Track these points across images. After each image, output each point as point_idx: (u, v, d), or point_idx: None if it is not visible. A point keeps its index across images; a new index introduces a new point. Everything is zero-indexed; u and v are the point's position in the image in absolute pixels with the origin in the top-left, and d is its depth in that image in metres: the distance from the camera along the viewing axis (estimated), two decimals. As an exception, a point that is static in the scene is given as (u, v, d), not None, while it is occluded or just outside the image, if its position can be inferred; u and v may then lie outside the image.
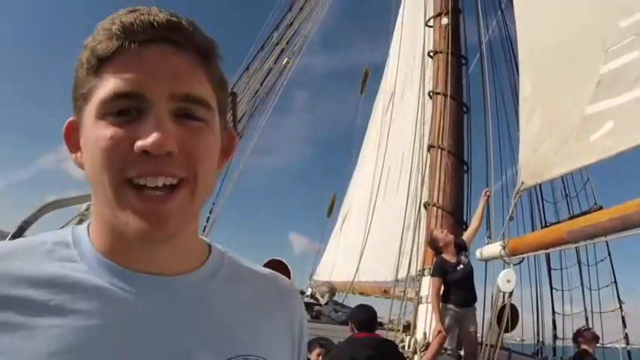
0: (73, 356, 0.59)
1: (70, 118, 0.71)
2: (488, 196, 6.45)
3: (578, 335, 6.64)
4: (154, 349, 0.65)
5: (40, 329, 0.60)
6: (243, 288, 0.79)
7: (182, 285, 0.71)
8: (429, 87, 8.79)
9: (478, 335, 5.84)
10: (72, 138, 0.71)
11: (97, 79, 0.64)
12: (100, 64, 0.64)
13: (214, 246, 0.82)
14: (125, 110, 0.63)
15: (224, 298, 0.75)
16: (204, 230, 8.47)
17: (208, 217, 8.61)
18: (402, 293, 7.22)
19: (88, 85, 0.65)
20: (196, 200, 0.68)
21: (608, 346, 9.00)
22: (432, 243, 6.22)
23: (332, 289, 10.42)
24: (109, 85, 0.63)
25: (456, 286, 5.77)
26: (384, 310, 7.41)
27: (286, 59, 9.87)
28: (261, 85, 9.42)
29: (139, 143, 0.61)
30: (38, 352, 0.58)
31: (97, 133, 0.63)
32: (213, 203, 8.59)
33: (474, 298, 5.92)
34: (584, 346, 6.29)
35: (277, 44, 10.12)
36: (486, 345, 4.84)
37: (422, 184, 8.03)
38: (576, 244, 4.02)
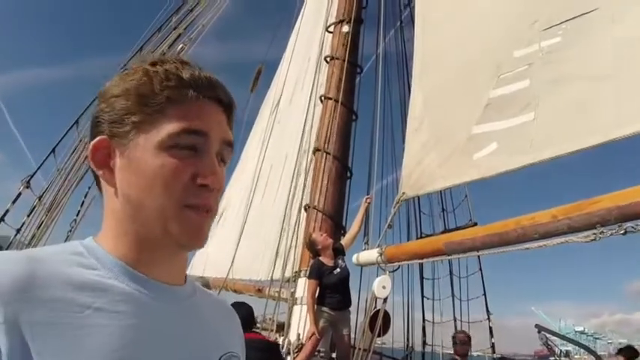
0: (126, 352, 0.67)
1: (101, 137, 0.78)
2: (369, 202, 6.55)
3: (453, 338, 6.92)
4: (183, 348, 0.77)
5: (91, 329, 0.65)
6: (209, 303, 0.93)
7: (183, 294, 0.84)
8: (320, 91, 8.82)
9: (351, 338, 5.89)
10: (100, 155, 0.79)
11: (157, 114, 0.75)
12: (167, 104, 0.76)
13: None
14: (187, 147, 0.75)
15: (205, 309, 0.88)
16: (77, 215, 7.81)
17: (82, 202, 7.93)
18: (276, 293, 7.13)
19: (145, 116, 0.75)
20: (210, 226, 0.82)
21: (476, 354, 9.60)
22: (311, 245, 6.18)
23: (206, 285, 10.08)
24: (179, 123, 0.75)
25: (332, 290, 5.78)
26: (257, 309, 7.26)
27: (181, 45, 9.45)
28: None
29: (201, 180, 0.76)
30: (91, 350, 0.64)
31: (163, 160, 0.74)
32: (89, 187, 7.92)
33: (349, 302, 5.97)
34: (456, 349, 6.63)
35: (175, 29, 9.64)
36: (359, 349, 4.86)
37: (304, 186, 8.02)
38: (453, 257, 4.15)
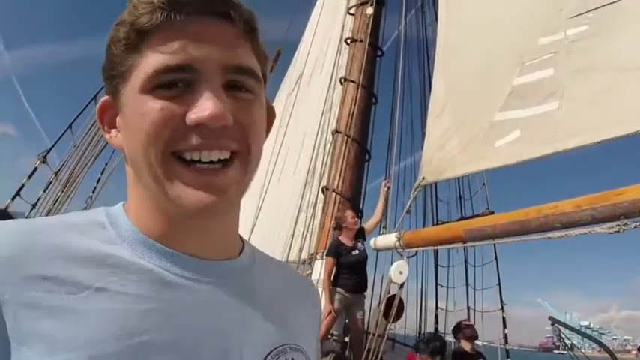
0: (129, 345, 0.56)
1: (104, 98, 0.69)
2: (389, 187, 6.54)
3: (458, 330, 6.53)
4: (215, 339, 0.63)
5: (85, 314, 0.56)
6: (274, 280, 0.78)
7: (232, 270, 0.71)
8: (340, 73, 8.79)
9: (365, 322, 5.94)
10: (106, 117, 0.69)
11: (137, 55, 0.62)
12: (142, 39, 0.62)
13: (242, 237, 0.80)
14: (174, 83, 0.61)
15: (263, 288, 0.74)
16: (93, 192, 7.89)
17: (99, 179, 7.99)
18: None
19: (128, 63, 0.63)
20: (248, 175, 0.67)
21: (488, 344, 9.61)
22: (338, 219, 6.27)
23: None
24: (154, 59, 0.61)
25: (349, 271, 5.82)
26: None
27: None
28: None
29: (193, 116, 0.59)
30: (90, 337, 0.54)
31: (144, 106, 0.61)
32: (106, 164, 7.98)
33: (365, 286, 6.02)
34: (462, 343, 6.25)
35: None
36: (372, 334, 4.92)
37: (323, 169, 8.04)
38: (472, 244, 4.17)
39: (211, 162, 0.62)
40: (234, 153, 0.64)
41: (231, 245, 0.74)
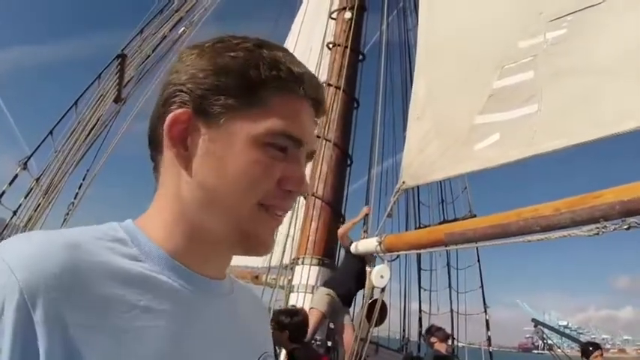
0: (173, 356, 0.62)
1: (185, 109, 0.69)
2: (367, 214, 6.44)
3: (430, 334, 6.63)
4: (224, 349, 0.72)
5: (138, 331, 0.60)
6: (245, 299, 0.86)
7: (224, 289, 0.78)
8: (323, 78, 8.77)
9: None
10: (178, 129, 0.69)
11: (261, 105, 0.68)
12: (270, 94, 0.68)
13: None
14: (284, 149, 0.69)
15: (242, 305, 0.83)
16: (75, 197, 7.76)
17: (81, 184, 7.87)
18: (273, 280, 7.13)
19: (242, 100, 0.68)
20: None
21: (469, 346, 9.64)
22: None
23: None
24: (281, 121, 0.68)
25: (346, 276, 5.81)
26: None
27: (183, 28, 9.31)
28: (154, 51, 8.75)
29: (289, 185, 0.70)
30: (139, 356, 0.59)
31: (257, 157, 0.67)
32: (87, 170, 7.86)
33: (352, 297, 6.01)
34: (437, 346, 6.34)
35: (177, 11, 9.50)
36: (356, 338, 4.88)
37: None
38: (454, 247, 4.15)
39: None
40: None
41: (226, 268, 0.81)
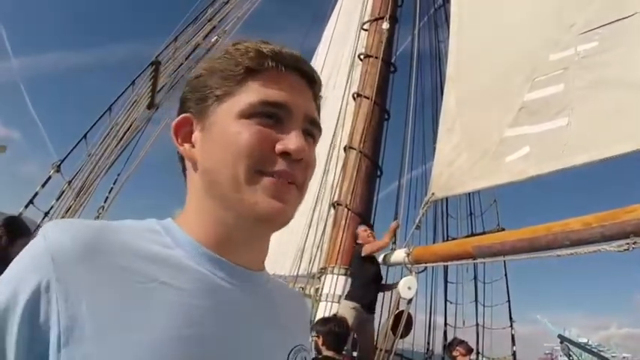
0: (192, 331, 0.64)
1: (184, 115, 0.79)
2: (397, 227, 6.39)
3: (453, 347, 6.63)
4: (255, 338, 0.74)
5: (154, 301, 0.63)
6: (280, 292, 0.88)
7: (260, 280, 0.81)
8: (353, 89, 8.80)
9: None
10: (182, 131, 0.79)
11: (237, 85, 0.75)
12: (248, 75, 0.75)
13: None
14: (270, 116, 0.73)
15: (277, 298, 0.85)
16: (105, 201, 7.92)
17: (111, 188, 8.03)
18: (301, 289, 7.16)
19: (226, 89, 0.75)
20: (299, 202, 0.77)
21: None
22: (356, 235, 6.41)
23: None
24: (258, 92, 0.74)
25: (367, 284, 5.80)
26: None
27: (216, 37, 9.48)
28: (187, 59, 8.95)
29: (281, 147, 0.72)
30: (155, 322, 0.62)
31: (241, 127, 0.72)
32: (118, 174, 8.02)
33: (375, 303, 5.99)
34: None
35: (210, 20, 9.70)
36: (380, 349, 4.87)
37: (333, 183, 8.04)
38: (481, 260, 4.12)
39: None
40: (294, 183, 0.75)
41: (261, 261, 0.84)
